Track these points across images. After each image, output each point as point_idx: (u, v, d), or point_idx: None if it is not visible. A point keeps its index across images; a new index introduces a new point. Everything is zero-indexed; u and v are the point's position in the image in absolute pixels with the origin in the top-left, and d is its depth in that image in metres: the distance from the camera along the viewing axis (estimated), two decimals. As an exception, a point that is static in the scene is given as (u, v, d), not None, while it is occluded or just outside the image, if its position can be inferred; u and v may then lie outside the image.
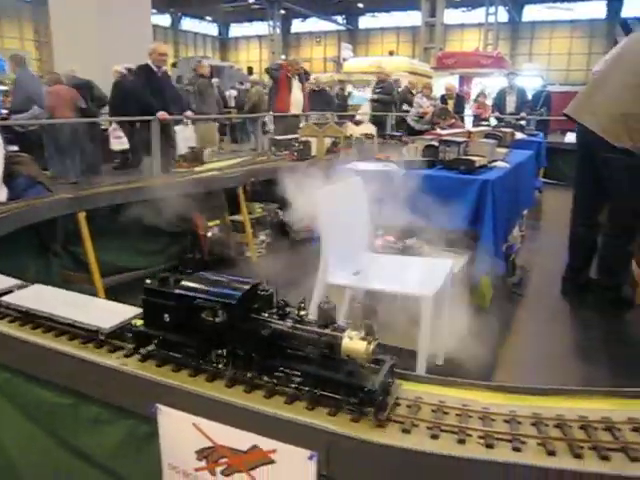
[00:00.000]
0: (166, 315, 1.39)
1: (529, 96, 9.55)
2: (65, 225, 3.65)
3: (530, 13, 31.92)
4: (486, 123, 6.17)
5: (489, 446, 1.11)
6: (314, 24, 38.34)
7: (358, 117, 7.91)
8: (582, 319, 3.56)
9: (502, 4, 29.86)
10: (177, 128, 6.26)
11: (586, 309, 3.62)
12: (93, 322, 1.53)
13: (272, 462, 1.16)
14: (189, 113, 6.44)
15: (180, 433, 1.28)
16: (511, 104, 8.73)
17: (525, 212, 5.14)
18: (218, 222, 4.78)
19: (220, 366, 1.34)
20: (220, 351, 1.34)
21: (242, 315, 1.30)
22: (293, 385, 1.26)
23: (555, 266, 3.98)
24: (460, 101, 9.81)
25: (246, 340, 1.30)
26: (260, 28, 36.61)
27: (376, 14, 37.86)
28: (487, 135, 4.02)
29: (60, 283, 3.41)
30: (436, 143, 3.15)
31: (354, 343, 1.21)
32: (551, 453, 1.09)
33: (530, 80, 16.54)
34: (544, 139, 7.11)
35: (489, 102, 10.06)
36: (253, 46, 38.95)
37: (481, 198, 2.80)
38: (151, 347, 1.45)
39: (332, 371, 1.23)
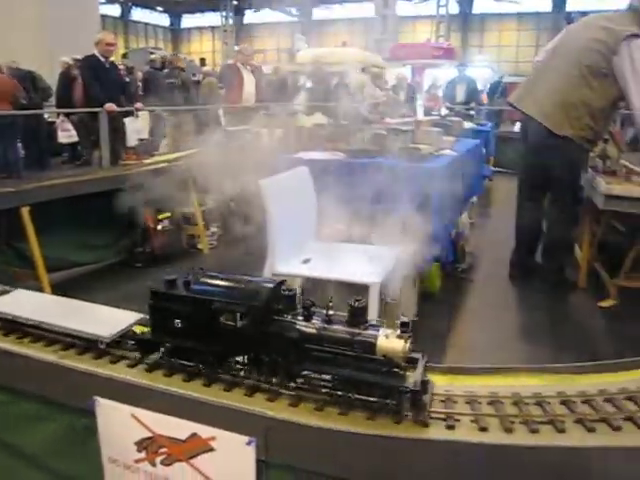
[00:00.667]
0: (177, 321, 1.27)
1: (482, 87, 9.72)
2: (8, 220, 3.53)
3: (480, 5, 32.45)
4: (436, 113, 6.27)
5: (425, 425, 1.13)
6: (268, 15, 38.00)
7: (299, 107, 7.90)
8: (528, 301, 3.67)
9: (453, -4, 30.30)
10: (126, 120, 6.11)
11: (532, 292, 3.73)
12: (90, 330, 1.41)
13: (211, 449, 1.15)
14: (139, 105, 6.30)
15: (119, 425, 1.26)
16: (461, 94, 8.90)
17: (475, 199, 5.26)
18: (169, 215, 4.71)
19: (241, 373, 1.25)
20: (241, 358, 1.25)
21: (267, 317, 1.21)
22: (324, 390, 1.19)
23: (503, 251, 4.08)
24: (412, 91, 9.92)
25: (272, 344, 1.21)
26: (213, 19, 36.02)
27: (330, 5, 37.80)
28: (436, 124, 4.08)
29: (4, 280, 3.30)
30: (384, 132, 3.18)
31: (391, 342, 1.16)
32: (483, 429, 1.12)
33: (480, 71, 16.88)
34: (496, 128, 7.27)
35: (440, 93, 10.20)
36: (206, 37, 38.31)
37: (427, 186, 2.84)
38: (156, 355, 1.36)
39: (367, 372, 1.16)
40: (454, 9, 32.51)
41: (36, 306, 1.59)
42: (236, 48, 9.17)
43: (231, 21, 32.27)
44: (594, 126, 3.36)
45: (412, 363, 1.20)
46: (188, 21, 39.05)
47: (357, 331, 1.18)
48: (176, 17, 38.78)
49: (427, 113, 8.25)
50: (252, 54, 7.88)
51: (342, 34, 35.13)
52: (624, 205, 3.35)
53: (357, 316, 1.20)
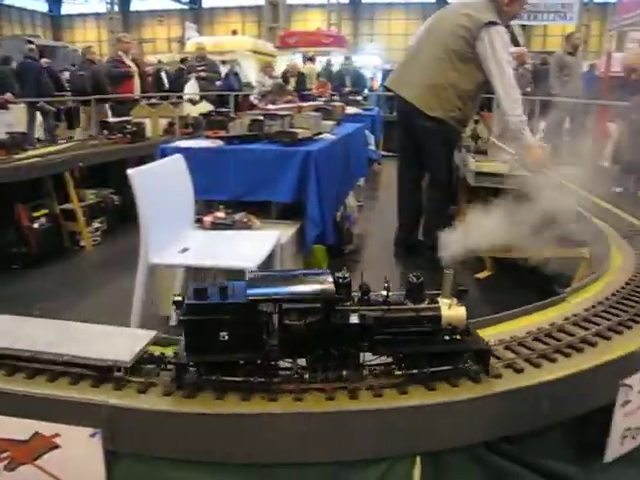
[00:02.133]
0: (224, 333, 1.11)
1: (372, 74, 9.98)
2: None
3: (365, -5, 33.18)
4: (324, 99, 6.37)
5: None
6: (156, 2, 36.61)
7: (187, 97, 7.74)
8: (411, 278, 3.82)
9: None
10: (-7, 112, 5.69)
11: (415, 268, 3.87)
12: (102, 355, 1.18)
13: (57, 447, 1.10)
14: (8, 96, 5.88)
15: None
16: (349, 81, 9.12)
17: (362, 182, 5.41)
18: (46, 212, 4.43)
19: (306, 376, 1.16)
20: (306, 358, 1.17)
21: (335, 310, 1.15)
22: (398, 372, 1.18)
23: (390, 232, 4.22)
24: (302, 79, 10.00)
25: (342, 336, 1.15)
26: (97, 6, 34.11)
27: (220, -7, 37.06)
28: (317, 109, 4.13)
29: None
30: (261, 117, 3.17)
31: (454, 311, 1.20)
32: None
33: (371, 59, 17.33)
34: (390, 113, 7.49)
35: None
36: (90, 25, 36.23)
37: (305, 169, 2.87)
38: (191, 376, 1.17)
39: (439, 344, 1.19)
40: (345, -2, 33.02)
41: (12, 332, 1.29)
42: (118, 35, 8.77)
43: (117, 8, 30.67)
44: (463, 107, 3.53)
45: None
46: (69, 7, 36.66)
47: (421, 306, 1.20)
48: (55, 3, 36.30)
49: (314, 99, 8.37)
50: (132, 42, 7.56)
51: (234, 23, 34.65)
52: (492, 181, 3.57)
53: (416, 292, 1.23)
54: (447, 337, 1.20)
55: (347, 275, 1.20)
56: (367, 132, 6.01)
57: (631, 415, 1.37)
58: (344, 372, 1.17)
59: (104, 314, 3.05)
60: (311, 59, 11.78)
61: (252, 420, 1.08)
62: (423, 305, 1.21)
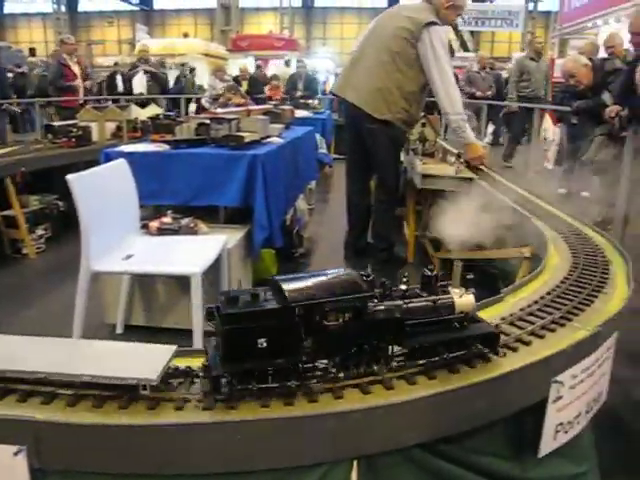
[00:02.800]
0: (263, 339, 1.09)
1: (325, 78, 10.03)
2: None
3: (322, -1, 33.40)
4: (274, 103, 6.35)
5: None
6: (105, 3, 35.79)
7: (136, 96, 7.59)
8: (362, 281, 3.85)
9: (294, -12, 30.79)
10: None
11: (365, 270, 3.90)
12: (124, 373, 1.09)
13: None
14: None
15: None
16: (301, 87, 9.15)
17: (313, 185, 5.42)
18: (-17, 219, 4.27)
19: (340, 375, 1.17)
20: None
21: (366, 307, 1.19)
22: (421, 362, 1.25)
23: (341, 235, 4.24)
24: (254, 82, 9.96)
25: (375, 331, 1.21)
26: (43, 5, 33.08)
27: (171, -6, 36.58)
28: (266, 113, 4.11)
29: None
30: (208, 121, 3.14)
31: (465, 299, 1.30)
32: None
33: (323, 62, 17.42)
34: (339, 117, 7.52)
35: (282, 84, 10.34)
36: (36, 25, 35.10)
37: (252, 173, 2.85)
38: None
39: (455, 331, 1.29)
40: (297, 2, 33.13)
41: (17, 353, 1.20)
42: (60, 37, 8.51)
43: (63, 8, 29.79)
44: (409, 109, 3.56)
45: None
46: (12, 6, 35.40)
47: (436, 297, 1.29)
48: (-3, 2, 34.99)
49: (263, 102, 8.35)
50: (76, 44, 7.37)
51: (186, 25, 34.24)
52: (439, 183, 3.64)
53: (430, 284, 1.32)
54: (465, 322, 1.32)
55: (369, 273, 1.28)
56: (318, 135, 6.03)
57: (563, 410, 1.42)
58: (375, 366, 1.22)
59: (48, 324, 2.96)
60: (259, 67, 11.85)
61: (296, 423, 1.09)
62: (437, 296, 1.30)
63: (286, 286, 1.13)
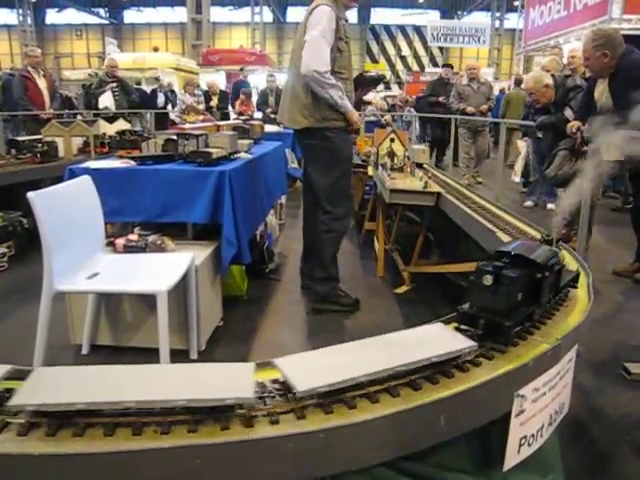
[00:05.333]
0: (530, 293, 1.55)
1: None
2: None
3: (294, 15, 33.68)
4: (244, 118, 6.35)
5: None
6: (73, 15, 35.49)
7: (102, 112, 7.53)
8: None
9: (267, 5, 31.07)
10: None
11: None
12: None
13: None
14: None
15: None
16: (272, 102, 9.15)
17: (283, 201, 5.42)
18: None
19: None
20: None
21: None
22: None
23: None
24: (224, 97, 9.95)
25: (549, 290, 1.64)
26: (8, 17, 32.60)
27: (142, 8, 36.49)
28: (235, 128, 4.11)
29: None
30: (175, 137, 3.12)
31: (565, 253, 1.79)
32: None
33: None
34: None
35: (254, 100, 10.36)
36: (1, 37, 34.58)
37: (219, 189, 2.84)
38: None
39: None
40: (268, 17, 33.37)
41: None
42: (39, 52, 8.37)
43: (30, 20, 29.41)
44: (322, 109, 3.23)
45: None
46: (-25, 18, 34.81)
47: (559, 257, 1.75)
48: (-40, 13, 34.33)
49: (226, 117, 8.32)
50: (41, 56, 7.27)
51: (157, 39, 34.14)
52: (406, 198, 3.68)
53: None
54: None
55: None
56: (288, 150, 6.05)
57: (526, 424, 1.44)
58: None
59: (8, 346, 2.88)
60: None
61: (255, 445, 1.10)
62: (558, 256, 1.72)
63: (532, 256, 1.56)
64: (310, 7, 3.24)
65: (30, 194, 2.14)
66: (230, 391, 1.12)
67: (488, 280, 1.44)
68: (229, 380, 1.18)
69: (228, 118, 8.57)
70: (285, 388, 1.20)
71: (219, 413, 1.10)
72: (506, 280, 1.44)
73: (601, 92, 3.97)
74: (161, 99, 9.86)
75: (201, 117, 5.47)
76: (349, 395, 1.19)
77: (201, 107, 8.64)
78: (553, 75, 5.00)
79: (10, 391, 1.14)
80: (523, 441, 1.44)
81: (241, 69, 12.78)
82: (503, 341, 1.45)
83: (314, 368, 1.23)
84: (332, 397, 1.17)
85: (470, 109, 7.88)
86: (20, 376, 1.20)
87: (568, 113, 4.68)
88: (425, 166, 4.96)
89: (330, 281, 3.48)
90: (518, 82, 10.45)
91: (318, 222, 3.46)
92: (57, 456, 0.98)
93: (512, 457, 1.41)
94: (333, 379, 1.15)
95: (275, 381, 1.26)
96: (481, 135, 8.16)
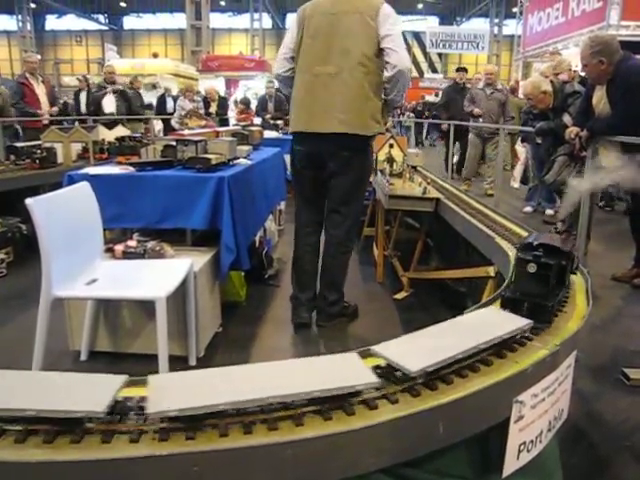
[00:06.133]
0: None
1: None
2: None
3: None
4: (243, 124, 6.36)
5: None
6: (73, 22, 35.64)
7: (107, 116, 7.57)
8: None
9: (266, 11, 31.20)
10: None
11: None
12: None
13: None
14: None
15: None
16: (271, 108, 9.17)
17: (282, 206, 5.43)
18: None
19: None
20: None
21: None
22: None
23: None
24: (223, 103, 9.98)
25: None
26: (8, 23, 32.73)
27: (141, 15, 36.64)
28: (234, 134, 4.12)
29: None
30: (174, 143, 3.12)
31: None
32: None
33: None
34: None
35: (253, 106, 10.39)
36: (1, 43, 34.69)
37: (218, 195, 2.84)
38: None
39: None
40: (268, 23, 33.51)
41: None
42: (38, 57, 8.40)
43: (29, 26, 29.51)
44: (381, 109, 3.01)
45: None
46: (-26, 23, 34.95)
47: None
48: (-42, 19, 34.46)
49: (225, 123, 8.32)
50: (37, 62, 7.31)
51: (156, 45, 34.27)
52: (405, 204, 3.68)
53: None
54: None
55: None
56: (287, 156, 6.05)
57: (525, 430, 1.43)
58: None
59: (7, 352, 2.88)
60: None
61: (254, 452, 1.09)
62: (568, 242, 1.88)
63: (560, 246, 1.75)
64: (366, 1, 2.90)
65: (28, 200, 2.14)
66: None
67: (533, 268, 1.68)
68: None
69: (227, 124, 8.57)
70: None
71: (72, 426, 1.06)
72: (546, 267, 1.68)
73: (599, 98, 3.98)
74: (170, 104, 9.93)
75: (203, 122, 5.46)
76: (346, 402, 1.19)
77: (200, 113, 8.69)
78: (552, 81, 5.01)
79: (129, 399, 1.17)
80: (522, 447, 1.44)
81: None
82: (547, 319, 1.66)
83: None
84: (330, 404, 1.16)
85: (477, 111, 7.63)
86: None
87: (567, 119, 4.69)
88: (419, 169, 4.98)
89: (341, 299, 3.31)
90: (512, 90, 10.32)
91: (330, 244, 3.19)
92: (56, 463, 0.98)
93: (511, 463, 1.41)
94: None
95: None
96: (491, 142, 7.70)
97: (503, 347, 1.49)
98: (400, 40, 2.89)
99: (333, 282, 3.23)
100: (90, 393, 1.12)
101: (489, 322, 1.57)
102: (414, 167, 4.63)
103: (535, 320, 1.61)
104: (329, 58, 2.90)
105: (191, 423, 1.08)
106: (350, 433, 1.10)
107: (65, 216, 2.35)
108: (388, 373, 1.32)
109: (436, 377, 1.31)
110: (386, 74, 2.91)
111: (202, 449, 1.02)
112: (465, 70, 9.28)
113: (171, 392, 1.13)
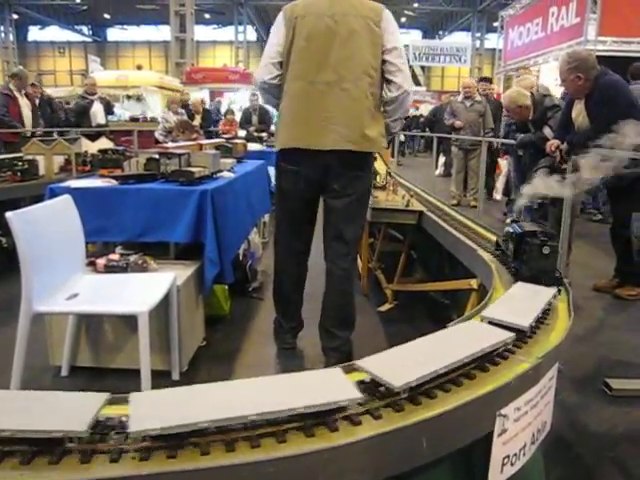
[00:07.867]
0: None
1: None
2: None
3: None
4: (227, 137, 6.36)
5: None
6: (56, 33, 35.50)
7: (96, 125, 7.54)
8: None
9: (250, 24, 31.37)
10: None
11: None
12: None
13: None
14: None
15: None
16: (255, 121, 9.20)
17: (267, 219, 5.42)
18: None
19: None
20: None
21: None
22: None
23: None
24: (208, 116, 9.98)
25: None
26: (-12, 34, 32.49)
27: (125, 26, 36.62)
28: (218, 147, 4.11)
29: None
30: (157, 156, 3.11)
31: None
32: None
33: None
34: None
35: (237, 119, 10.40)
36: (-18, 54, 34.39)
37: (201, 209, 2.83)
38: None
39: None
40: (252, 36, 33.68)
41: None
42: (20, 68, 8.37)
43: (12, 37, 29.32)
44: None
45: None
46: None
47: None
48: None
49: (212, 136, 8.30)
50: (28, 78, 7.27)
51: (140, 57, 34.25)
52: (388, 216, 3.70)
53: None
54: None
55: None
56: (271, 169, 6.06)
57: (508, 443, 1.44)
58: None
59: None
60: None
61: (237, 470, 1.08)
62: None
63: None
64: (366, 3, 2.67)
65: (8, 214, 2.12)
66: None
67: (547, 250, 2.08)
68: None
69: (211, 137, 8.57)
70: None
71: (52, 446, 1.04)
72: (552, 248, 2.11)
73: (578, 112, 4.05)
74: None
75: (194, 135, 5.41)
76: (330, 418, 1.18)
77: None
78: (532, 94, 5.09)
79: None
80: (506, 460, 1.44)
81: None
82: (557, 284, 2.08)
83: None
84: (313, 420, 1.16)
85: (458, 123, 7.84)
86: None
87: (547, 132, 4.76)
88: (403, 182, 5.01)
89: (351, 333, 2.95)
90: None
91: (340, 278, 2.85)
92: None
93: (495, 477, 1.41)
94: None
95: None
96: (474, 154, 7.88)
97: (486, 360, 1.49)
98: (405, 55, 2.70)
99: (346, 319, 2.90)
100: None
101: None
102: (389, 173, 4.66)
103: (547, 285, 2.02)
104: (327, 64, 2.58)
105: (173, 442, 1.06)
106: (333, 450, 1.09)
107: (46, 229, 2.33)
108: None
109: (420, 392, 1.31)
110: (390, 95, 2.65)
111: (184, 468, 1.01)
112: (489, 80, 9.74)
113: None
